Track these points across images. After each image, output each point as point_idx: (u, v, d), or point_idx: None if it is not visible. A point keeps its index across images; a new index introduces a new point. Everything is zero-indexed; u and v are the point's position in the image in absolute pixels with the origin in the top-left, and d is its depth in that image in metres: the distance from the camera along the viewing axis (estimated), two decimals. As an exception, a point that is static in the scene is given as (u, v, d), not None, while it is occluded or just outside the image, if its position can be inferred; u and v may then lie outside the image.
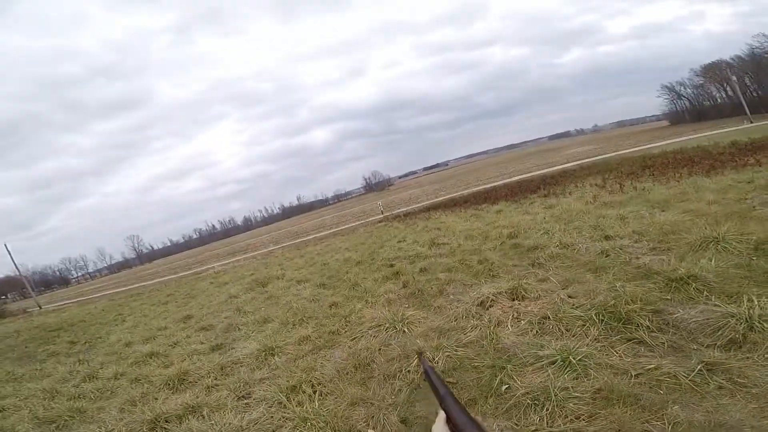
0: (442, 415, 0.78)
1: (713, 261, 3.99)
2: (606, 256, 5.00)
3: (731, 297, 3.24)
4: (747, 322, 2.77)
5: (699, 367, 2.47)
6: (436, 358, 3.45)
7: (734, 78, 50.35)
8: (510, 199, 13.47)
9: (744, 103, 42.70)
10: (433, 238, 9.14)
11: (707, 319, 2.98)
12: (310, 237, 24.46)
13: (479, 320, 3.97)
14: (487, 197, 16.21)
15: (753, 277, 3.53)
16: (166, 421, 3.56)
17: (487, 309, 4.13)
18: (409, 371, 3.41)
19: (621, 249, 5.11)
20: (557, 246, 5.86)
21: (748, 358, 2.50)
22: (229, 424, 3.23)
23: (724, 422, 2.05)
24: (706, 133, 29.32)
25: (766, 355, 2.47)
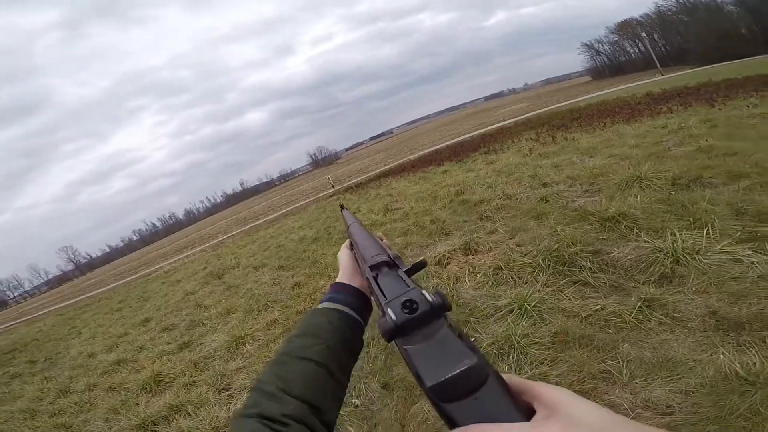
0: (346, 243, 0.78)
1: (638, 198, 4.30)
2: (546, 202, 5.25)
3: (657, 231, 3.48)
4: (673, 256, 2.97)
5: (639, 304, 2.62)
6: None
7: (644, 34, 53.71)
8: (454, 159, 13.68)
9: (654, 57, 45.89)
10: (387, 205, 9.14)
11: (639, 255, 3.18)
12: (260, 221, 23.55)
13: (439, 278, 4.05)
14: (433, 159, 16.36)
15: (673, 211, 3.84)
16: (154, 424, 3.43)
17: (445, 267, 4.22)
18: (380, 338, 3.44)
19: (558, 194, 5.40)
20: (501, 198, 6.07)
21: (679, 292, 2.67)
22: (217, 417, 3.15)
23: (671, 357, 2.17)
24: (624, 86, 31.22)
25: (693, 288, 2.66)
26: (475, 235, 4.58)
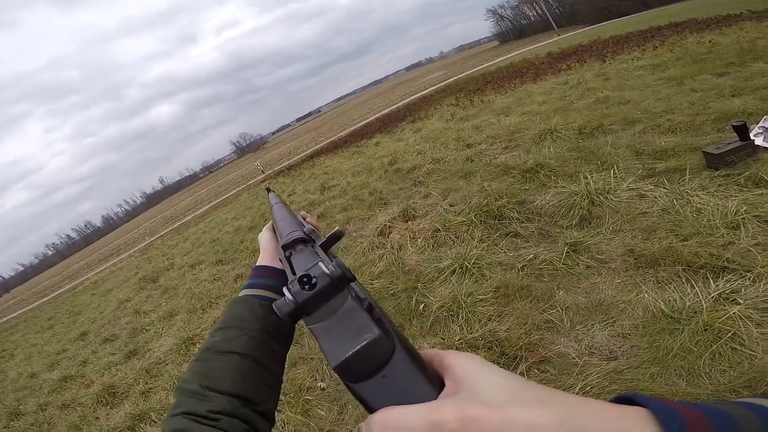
0: (268, 224, 0.72)
1: (552, 149, 4.54)
2: (471, 162, 5.38)
3: (571, 177, 3.70)
4: (588, 197, 3.14)
5: (566, 249, 2.73)
6: None
7: (540, -2, 56.55)
8: (383, 131, 13.61)
9: (551, 19, 48.67)
10: (323, 183, 8.87)
11: (559, 201, 3.33)
12: (189, 217, 21.95)
13: (383, 249, 3.99)
14: (364, 134, 16.16)
15: (583, 157, 4.09)
16: None
17: (387, 236, 4.17)
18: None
19: (481, 153, 5.55)
20: (431, 162, 6.13)
21: (598, 233, 2.82)
22: None
23: (603, 301, 2.26)
24: (528, 48, 32.94)
25: (610, 228, 2.82)
26: (411, 201, 4.57)
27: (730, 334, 1.74)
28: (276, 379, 0.52)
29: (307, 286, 0.31)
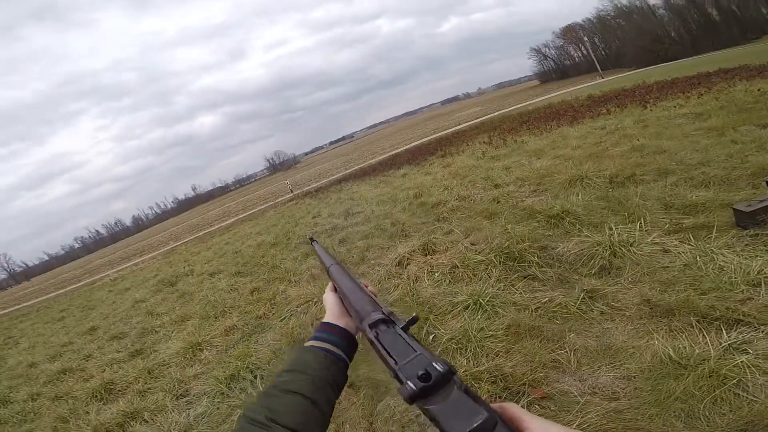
0: (329, 285, 0.83)
1: (580, 196, 4.60)
2: (497, 203, 5.48)
3: (596, 226, 3.74)
4: (611, 248, 3.18)
5: (582, 295, 2.78)
6: None
7: (586, 38, 56.96)
8: (412, 163, 13.92)
9: (595, 60, 48.82)
10: (348, 209, 9.14)
11: (581, 249, 3.38)
12: (215, 227, 22.75)
13: (399, 279, 4.12)
14: (392, 163, 16.57)
15: (610, 207, 4.14)
16: (108, 431, 3.26)
17: (405, 267, 4.29)
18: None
19: (508, 195, 5.66)
20: (456, 199, 6.27)
21: (617, 282, 2.87)
22: (176, 422, 3.02)
23: (612, 345, 2.32)
24: (569, 89, 33.16)
25: (629, 279, 2.86)
26: (432, 236, 4.70)
27: (735, 380, 1.77)
28: (326, 420, 0.60)
29: (423, 379, 0.42)
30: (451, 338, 2.81)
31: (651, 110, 9.28)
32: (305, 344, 0.69)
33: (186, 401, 3.42)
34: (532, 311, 2.87)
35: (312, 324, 3.94)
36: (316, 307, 4.26)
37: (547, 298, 2.94)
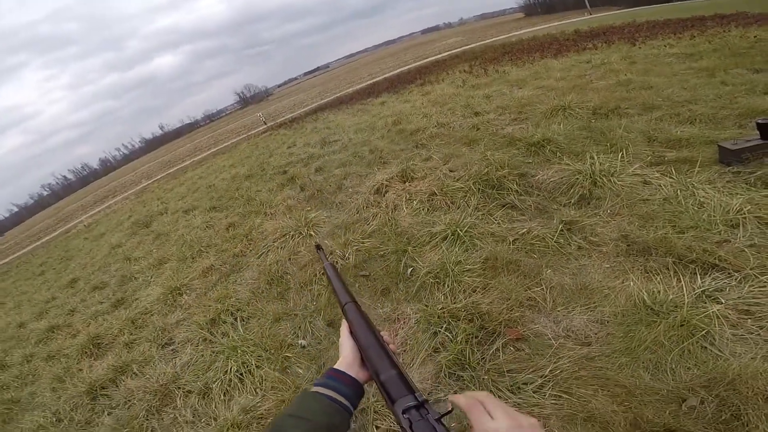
0: (345, 325, 0.78)
1: (562, 125, 4.41)
2: (477, 130, 5.27)
3: (578, 155, 3.61)
4: (591, 177, 3.08)
5: (560, 227, 2.69)
6: (347, 254, 3.37)
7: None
8: (391, 91, 13.28)
9: (584, -3, 46.13)
10: (324, 138, 8.71)
11: (561, 177, 3.26)
12: (187, 162, 21.65)
13: (378, 207, 3.95)
14: (371, 92, 15.77)
15: (593, 137, 3.99)
16: (102, 388, 3.15)
17: (383, 195, 4.12)
18: (323, 274, 3.28)
19: (488, 122, 5.43)
20: (435, 126, 6.01)
21: (595, 214, 2.78)
22: (164, 373, 2.92)
23: (588, 284, 2.25)
24: (555, 23, 31.51)
25: (608, 210, 2.78)
26: (411, 163, 4.48)
27: (704, 332, 1.74)
28: None
29: None
30: (429, 272, 2.72)
31: (640, 48, 8.85)
32: (311, 389, 0.68)
33: (171, 350, 3.31)
34: (509, 243, 2.79)
35: (290, 260, 3.80)
36: (293, 241, 4.08)
37: (525, 229, 2.85)
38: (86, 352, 3.93)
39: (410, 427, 0.53)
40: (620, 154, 3.31)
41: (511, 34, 29.01)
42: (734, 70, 5.22)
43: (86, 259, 8.78)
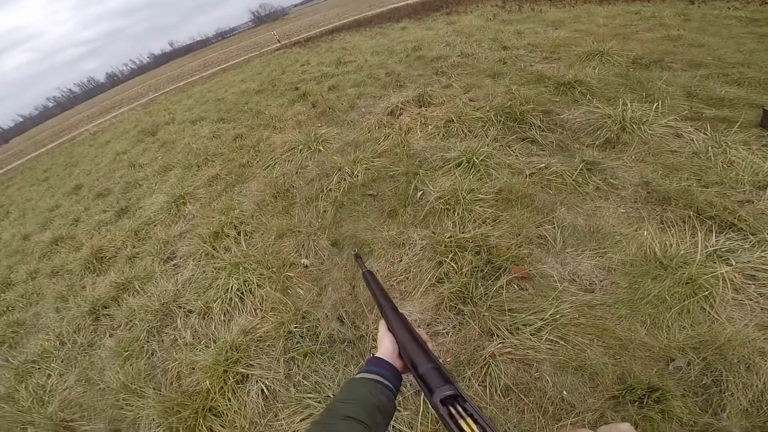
0: (383, 323, 0.83)
1: (597, 70, 4.08)
2: (503, 64, 4.90)
3: (609, 100, 3.37)
4: (621, 123, 2.89)
5: (581, 166, 2.55)
6: (355, 172, 3.22)
7: None
8: (413, 17, 12.36)
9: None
10: (339, 58, 8.18)
11: (588, 119, 3.07)
12: (196, 77, 20.56)
13: (391, 129, 3.76)
14: (391, 16, 14.70)
15: (629, 85, 3.69)
16: (105, 307, 3.09)
17: (397, 117, 3.91)
18: (330, 190, 3.14)
19: (517, 58, 5.04)
20: (459, 56, 5.62)
21: (619, 158, 2.62)
22: (165, 291, 2.85)
23: (600, 227, 2.14)
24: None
25: (633, 156, 2.61)
26: (429, 89, 4.21)
27: (707, 293, 1.69)
28: None
29: None
30: (440, 197, 2.60)
31: (699, 6, 8.04)
32: (356, 376, 0.74)
33: (173, 265, 3.23)
34: (526, 176, 2.66)
35: (297, 173, 3.67)
36: (301, 155, 3.91)
37: (543, 164, 2.71)
38: (89, 268, 3.86)
39: (448, 415, 0.55)
40: (655, 105, 3.08)
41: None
42: (803, 43, 4.75)
43: (91, 166, 8.57)
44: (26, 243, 5.97)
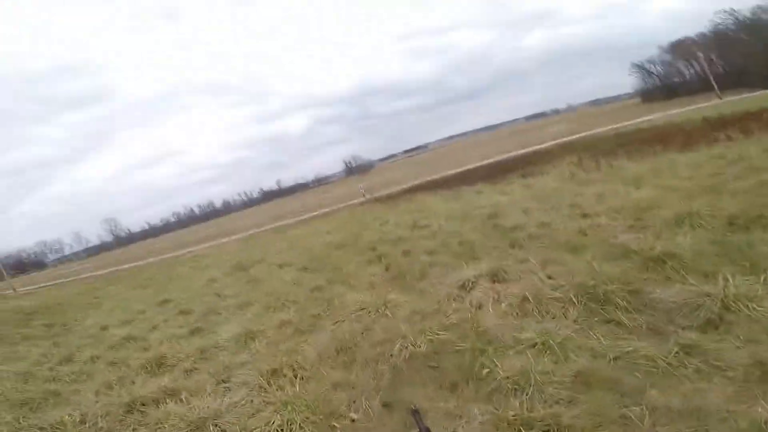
0: None
1: (688, 238, 3.97)
2: (584, 235, 4.96)
3: (707, 276, 3.18)
4: (723, 302, 2.72)
5: (676, 349, 2.41)
6: (419, 342, 3.34)
7: (701, 54, 50.46)
8: (489, 180, 13.40)
9: (712, 79, 43.02)
10: (415, 220, 9.04)
11: (684, 299, 2.91)
12: (292, 220, 24.01)
13: (461, 303, 3.89)
14: (467, 178, 16.18)
15: (727, 254, 3.49)
16: (143, 405, 3.42)
17: (469, 291, 4.04)
18: (392, 355, 3.28)
19: (598, 227, 5.10)
20: (536, 226, 5.83)
21: (723, 339, 2.44)
22: (208, 407, 3.10)
23: (702, 407, 1.96)
24: (677, 110, 29.67)
25: (741, 336, 2.41)
26: (504, 262, 4.39)
27: None
28: None
29: None
30: (508, 377, 2.54)
31: None
32: None
33: (225, 387, 3.51)
34: (610, 360, 2.53)
35: (362, 334, 3.89)
36: (369, 317, 4.20)
37: (631, 348, 2.57)
38: (147, 368, 4.25)
39: None
40: (762, 277, 2.86)
41: (627, 123, 27.91)
42: None
43: (185, 285, 9.88)
44: (102, 332, 6.72)
